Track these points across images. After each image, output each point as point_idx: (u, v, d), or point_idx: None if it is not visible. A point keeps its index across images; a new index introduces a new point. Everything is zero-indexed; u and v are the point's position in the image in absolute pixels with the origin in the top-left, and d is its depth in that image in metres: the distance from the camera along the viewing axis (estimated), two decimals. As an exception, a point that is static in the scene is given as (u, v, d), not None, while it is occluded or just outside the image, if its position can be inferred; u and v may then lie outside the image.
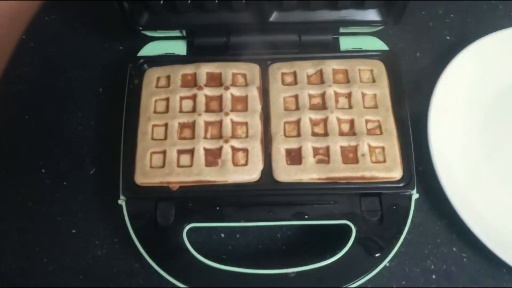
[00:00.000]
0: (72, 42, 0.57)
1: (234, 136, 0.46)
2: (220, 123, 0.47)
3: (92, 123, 0.53)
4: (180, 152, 0.45)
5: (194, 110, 0.47)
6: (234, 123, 0.47)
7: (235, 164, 0.45)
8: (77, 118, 0.53)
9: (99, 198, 0.49)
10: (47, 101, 0.54)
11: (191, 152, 0.45)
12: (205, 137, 0.46)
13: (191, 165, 0.45)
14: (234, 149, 0.46)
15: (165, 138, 0.46)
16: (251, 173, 0.44)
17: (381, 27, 0.52)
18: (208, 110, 0.48)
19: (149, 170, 0.44)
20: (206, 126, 0.47)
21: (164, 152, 0.45)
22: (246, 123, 0.47)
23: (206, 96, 0.48)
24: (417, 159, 0.46)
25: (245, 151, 0.45)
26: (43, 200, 0.49)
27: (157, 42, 0.52)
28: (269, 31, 0.51)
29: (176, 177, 0.44)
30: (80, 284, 0.45)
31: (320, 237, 0.46)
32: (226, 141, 0.45)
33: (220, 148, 0.45)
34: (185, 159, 0.45)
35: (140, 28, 0.50)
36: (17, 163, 0.51)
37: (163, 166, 0.45)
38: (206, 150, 0.45)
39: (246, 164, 0.45)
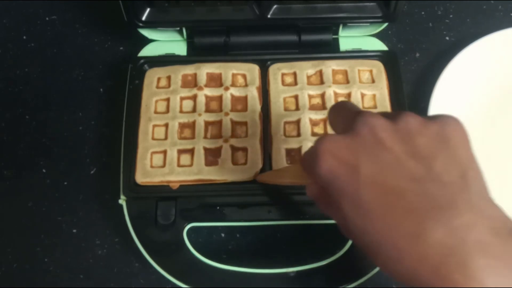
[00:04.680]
0: (72, 43, 0.58)
1: (233, 135, 0.46)
2: (220, 123, 0.47)
3: (93, 123, 0.53)
4: (180, 151, 0.46)
5: (194, 110, 0.48)
6: (233, 123, 0.47)
7: (234, 163, 0.45)
8: (77, 118, 0.53)
9: (100, 198, 0.49)
10: (48, 101, 0.54)
11: (191, 151, 0.45)
12: (205, 137, 0.46)
13: (191, 165, 0.45)
14: (234, 148, 0.46)
15: (166, 138, 0.46)
16: (250, 172, 0.45)
17: (380, 27, 0.52)
18: (208, 110, 0.48)
19: (150, 170, 0.45)
20: (206, 126, 0.47)
21: (164, 152, 0.45)
22: (245, 123, 0.47)
23: (206, 96, 0.48)
24: (417, 159, 0.46)
25: (245, 150, 0.46)
26: (43, 200, 0.49)
27: (158, 43, 0.53)
28: (268, 29, 0.51)
29: (176, 176, 0.44)
30: (81, 283, 0.46)
31: (320, 236, 0.46)
32: (226, 141, 0.46)
33: (220, 147, 0.45)
34: (185, 158, 0.45)
35: (141, 24, 0.50)
36: (17, 163, 0.51)
37: (163, 165, 0.45)
38: (206, 149, 0.46)
39: (245, 163, 0.45)
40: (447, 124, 0.28)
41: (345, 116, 0.30)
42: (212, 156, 0.45)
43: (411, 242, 0.24)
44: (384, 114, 0.29)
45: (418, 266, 0.24)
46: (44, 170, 0.51)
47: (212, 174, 0.44)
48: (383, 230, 0.25)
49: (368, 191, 0.26)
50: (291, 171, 0.40)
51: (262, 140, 0.46)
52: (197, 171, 0.44)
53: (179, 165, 0.45)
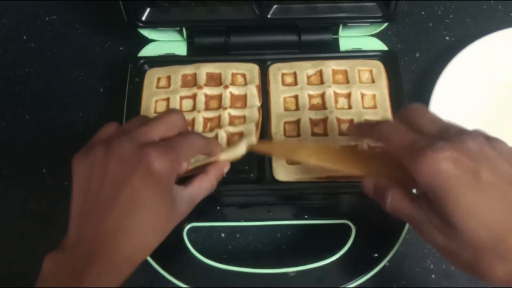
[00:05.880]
0: (72, 43, 0.58)
1: (231, 125, 0.47)
2: (219, 118, 0.47)
3: (93, 123, 0.53)
4: None
5: (194, 109, 0.48)
6: (232, 117, 0.47)
7: (228, 145, 0.45)
8: (77, 118, 0.53)
9: (100, 198, 0.49)
10: (48, 101, 0.54)
11: None
12: (203, 131, 0.46)
13: None
14: (230, 134, 0.46)
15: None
16: (242, 147, 0.44)
17: (380, 27, 0.52)
18: (207, 108, 0.48)
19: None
20: (205, 122, 0.47)
21: None
22: (243, 116, 0.47)
23: (206, 95, 0.48)
24: (417, 159, 0.46)
25: (240, 134, 0.46)
26: (43, 200, 0.49)
27: (158, 43, 0.53)
28: (268, 29, 0.51)
29: None
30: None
31: (320, 236, 0.46)
32: (221, 127, 0.46)
33: (216, 136, 0.46)
34: None
35: (141, 24, 0.50)
36: (17, 163, 0.51)
37: None
38: None
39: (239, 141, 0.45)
40: None
41: (440, 124, 0.34)
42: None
43: None
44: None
45: None
46: (44, 170, 0.51)
47: (206, 159, 0.44)
48: (505, 228, 0.29)
49: (491, 193, 0.29)
50: (334, 154, 0.37)
51: (260, 127, 0.46)
52: (194, 160, 0.44)
53: None
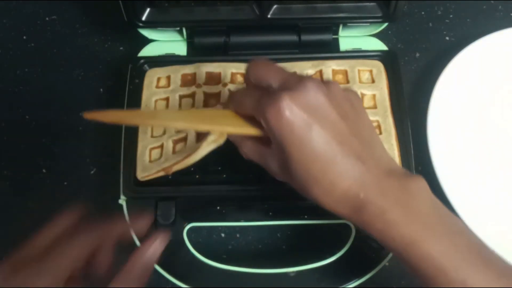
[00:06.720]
0: (72, 42, 0.58)
1: None
2: None
3: (93, 123, 0.53)
4: (176, 141, 0.45)
5: (192, 106, 0.48)
6: None
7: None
8: (77, 118, 0.53)
9: (100, 198, 0.49)
10: (47, 101, 0.54)
11: (185, 139, 0.45)
12: None
13: (184, 147, 0.45)
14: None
15: (164, 134, 0.46)
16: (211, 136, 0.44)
17: (380, 27, 0.52)
18: (206, 106, 0.48)
19: (149, 164, 0.45)
20: None
21: (161, 146, 0.45)
22: None
23: (205, 93, 0.49)
24: (417, 159, 0.46)
25: None
26: (43, 200, 0.49)
27: (158, 43, 0.53)
28: (268, 29, 0.51)
29: (170, 161, 0.44)
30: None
31: (320, 236, 0.46)
32: None
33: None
34: (180, 146, 0.45)
35: (141, 24, 0.50)
36: (17, 163, 0.51)
37: (160, 157, 0.45)
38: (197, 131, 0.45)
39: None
40: (357, 95, 0.38)
41: (281, 75, 0.36)
42: (204, 134, 0.45)
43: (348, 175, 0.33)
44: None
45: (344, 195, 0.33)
46: (44, 170, 0.51)
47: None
48: (320, 171, 0.33)
49: (317, 145, 0.33)
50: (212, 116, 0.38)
51: None
52: (189, 150, 0.44)
53: (174, 153, 0.45)
